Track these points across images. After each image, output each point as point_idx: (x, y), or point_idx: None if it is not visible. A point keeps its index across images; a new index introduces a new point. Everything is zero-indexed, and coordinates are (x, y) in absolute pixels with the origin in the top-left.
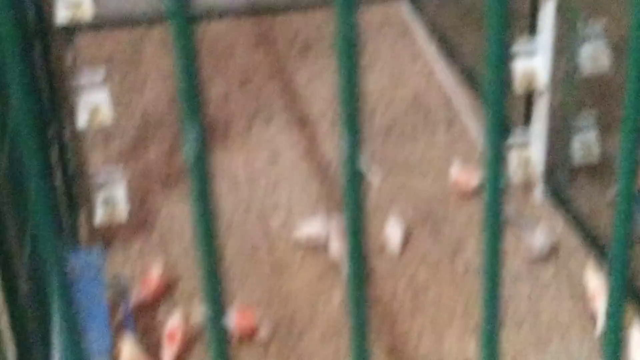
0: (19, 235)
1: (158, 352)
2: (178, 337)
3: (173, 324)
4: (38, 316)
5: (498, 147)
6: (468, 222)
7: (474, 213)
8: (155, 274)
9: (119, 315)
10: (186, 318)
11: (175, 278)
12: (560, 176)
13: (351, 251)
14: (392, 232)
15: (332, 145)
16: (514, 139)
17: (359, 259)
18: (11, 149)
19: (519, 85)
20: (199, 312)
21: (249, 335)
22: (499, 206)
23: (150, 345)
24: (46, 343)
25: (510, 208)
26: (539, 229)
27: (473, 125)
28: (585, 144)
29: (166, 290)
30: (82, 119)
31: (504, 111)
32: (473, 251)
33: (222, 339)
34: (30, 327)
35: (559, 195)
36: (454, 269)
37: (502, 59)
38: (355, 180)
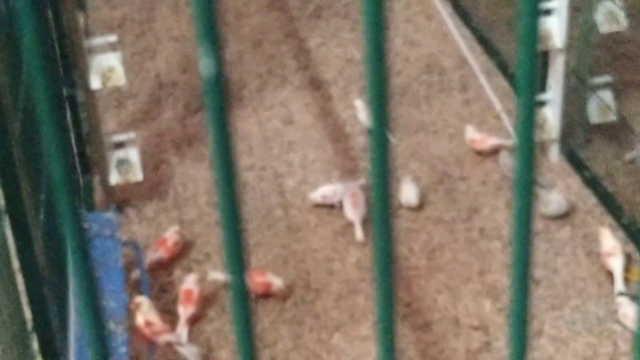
0: (34, 201)
1: (174, 311)
2: (194, 297)
3: (189, 284)
4: (54, 279)
5: (530, 106)
6: (483, 182)
7: (490, 173)
8: (170, 235)
9: (135, 275)
10: (201, 278)
11: (191, 239)
12: (577, 136)
13: (378, 214)
14: (408, 193)
15: (346, 107)
16: None
17: (385, 221)
18: (24, 116)
19: None
20: (215, 272)
21: (265, 295)
22: (531, 165)
23: (166, 304)
24: (62, 305)
25: None
26: (555, 189)
27: (488, 87)
28: (602, 103)
29: (181, 251)
30: (95, 81)
31: (536, 70)
32: (488, 212)
33: (243, 297)
34: (46, 290)
35: (575, 155)
36: (469, 230)
37: (535, 16)
38: (382, 145)
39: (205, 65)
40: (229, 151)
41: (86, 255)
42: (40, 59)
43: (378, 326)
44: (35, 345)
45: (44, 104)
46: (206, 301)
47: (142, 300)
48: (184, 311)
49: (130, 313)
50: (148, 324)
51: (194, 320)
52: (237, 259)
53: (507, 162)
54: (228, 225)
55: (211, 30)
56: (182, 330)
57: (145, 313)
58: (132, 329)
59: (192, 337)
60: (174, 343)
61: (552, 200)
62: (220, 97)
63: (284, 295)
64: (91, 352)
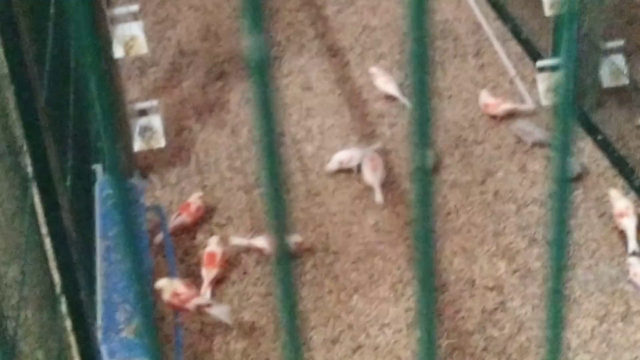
0: (60, 167)
1: (197, 273)
2: (217, 259)
3: (212, 247)
4: (81, 244)
5: (569, 68)
6: (498, 146)
7: (504, 137)
8: (193, 200)
9: (159, 239)
10: (224, 242)
11: (213, 204)
12: (589, 100)
13: (416, 175)
14: None
15: (362, 73)
16: (544, 62)
17: (424, 179)
18: (50, 83)
19: (548, 7)
20: (237, 237)
21: None
22: (569, 129)
23: (190, 267)
24: (89, 269)
25: (540, 131)
26: None
27: (502, 52)
28: (614, 67)
29: (204, 216)
30: (118, 50)
31: (575, 34)
32: (503, 175)
33: (286, 256)
34: (74, 255)
35: (587, 119)
36: (484, 193)
37: None
38: (424, 114)
39: (251, 46)
40: (274, 129)
41: (131, 221)
42: (88, 23)
43: (418, 303)
44: (64, 308)
45: (93, 72)
46: (228, 264)
47: (161, 285)
48: (207, 273)
49: (154, 276)
50: (175, 294)
51: (216, 282)
52: (280, 224)
53: (521, 126)
54: (272, 197)
55: (257, 5)
56: (206, 291)
57: (169, 290)
58: (157, 292)
59: (215, 299)
60: (204, 306)
61: None
62: (267, 80)
63: (304, 249)
64: (138, 314)
